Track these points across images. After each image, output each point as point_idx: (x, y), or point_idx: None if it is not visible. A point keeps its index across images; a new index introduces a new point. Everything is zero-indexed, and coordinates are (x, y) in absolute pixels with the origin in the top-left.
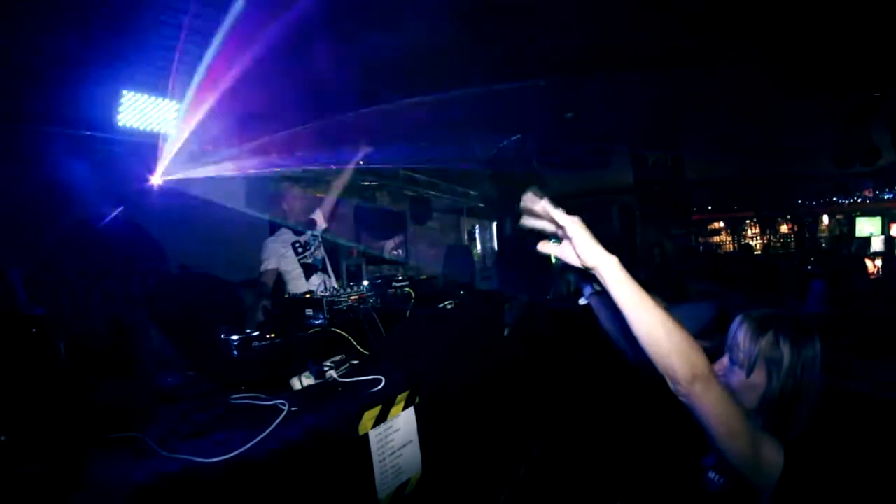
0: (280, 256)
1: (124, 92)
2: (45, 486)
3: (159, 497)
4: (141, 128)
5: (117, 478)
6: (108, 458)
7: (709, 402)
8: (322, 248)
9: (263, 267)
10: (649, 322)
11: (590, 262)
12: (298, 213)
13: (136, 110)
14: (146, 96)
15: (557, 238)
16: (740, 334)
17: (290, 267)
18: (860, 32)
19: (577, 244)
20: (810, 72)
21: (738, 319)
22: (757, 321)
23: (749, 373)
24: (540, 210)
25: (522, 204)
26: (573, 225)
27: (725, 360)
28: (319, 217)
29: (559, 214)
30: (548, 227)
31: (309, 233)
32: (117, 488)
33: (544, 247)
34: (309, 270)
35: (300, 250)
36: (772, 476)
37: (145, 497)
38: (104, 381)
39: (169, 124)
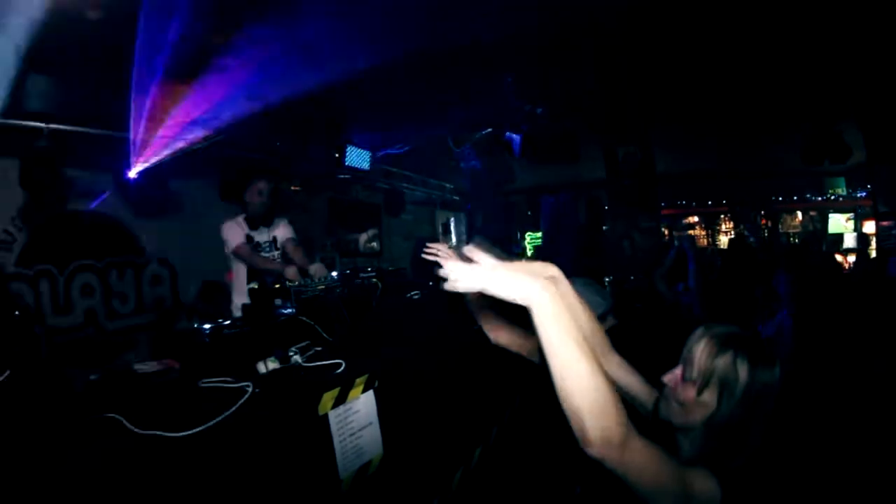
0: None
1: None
2: (24, 459)
3: (131, 467)
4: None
5: (93, 452)
6: (86, 436)
7: (625, 467)
8: (279, 262)
9: (232, 246)
10: (568, 365)
11: (518, 299)
12: (257, 208)
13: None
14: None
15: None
16: (697, 349)
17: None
18: (832, 35)
19: (495, 290)
20: (782, 71)
21: (697, 333)
22: (717, 338)
23: (700, 391)
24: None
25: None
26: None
27: (679, 371)
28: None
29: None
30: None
31: (267, 235)
32: (93, 461)
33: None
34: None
35: (250, 248)
36: None
37: (118, 467)
38: (83, 368)
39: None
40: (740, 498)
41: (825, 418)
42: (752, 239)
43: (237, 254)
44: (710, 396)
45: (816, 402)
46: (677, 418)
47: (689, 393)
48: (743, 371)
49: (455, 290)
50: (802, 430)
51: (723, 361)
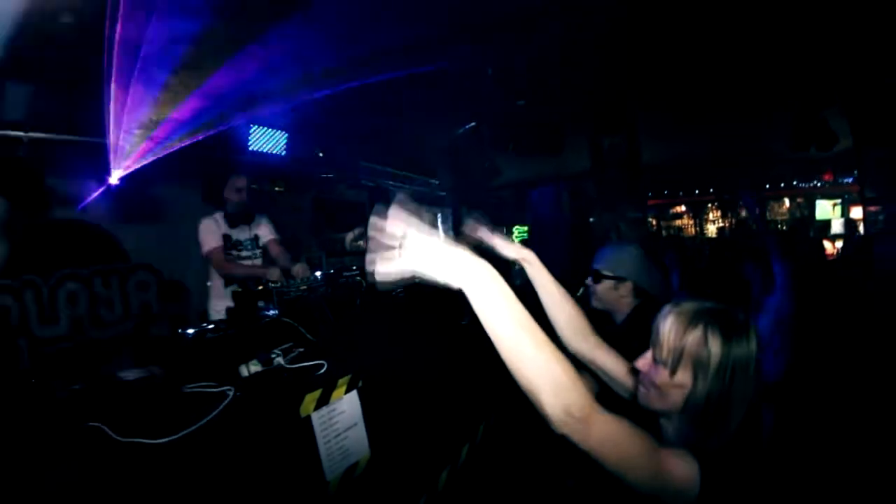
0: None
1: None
2: (4, 471)
3: (112, 475)
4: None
5: (74, 462)
6: (67, 446)
7: (591, 444)
8: (259, 261)
9: (207, 247)
10: (517, 347)
11: (452, 282)
12: (236, 205)
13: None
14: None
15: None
16: (664, 328)
17: None
18: (816, 21)
19: (434, 268)
20: (767, 58)
21: (663, 311)
22: (684, 314)
23: (672, 372)
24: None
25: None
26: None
27: (649, 355)
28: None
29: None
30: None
31: (248, 233)
32: (74, 471)
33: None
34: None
35: (229, 247)
36: (684, 494)
37: (99, 477)
38: (69, 378)
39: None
40: (722, 479)
41: (817, 405)
42: (755, 226)
43: (210, 259)
44: (683, 376)
45: (809, 388)
46: (655, 403)
47: (663, 375)
48: (715, 345)
49: (386, 283)
50: (793, 418)
51: (692, 338)
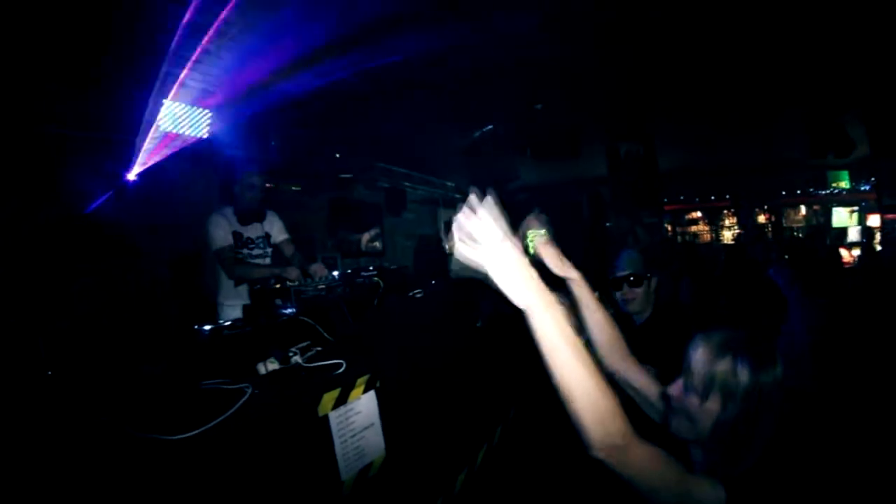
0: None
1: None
2: (20, 464)
3: (128, 470)
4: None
5: (91, 457)
6: (84, 440)
7: (626, 469)
8: (269, 260)
9: (217, 245)
10: (568, 374)
11: (514, 300)
12: (248, 202)
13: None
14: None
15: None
16: (696, 357)
17: None
18: (834, 28)
19: (500, 280)
20: (785, 65)
21: (695, 341)
22: (714, 344)
23: (703, 399)
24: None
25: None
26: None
27: (681, 382)
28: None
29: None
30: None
31: (260, 230)
32: (90, 466)
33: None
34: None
35: (240, 245)
36: None
37: (116, 470)
38: (86, 374)
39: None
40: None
41: (837, 420)
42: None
43: (219, 258)
44: (713, 403)
45: (831, 402)
46: (686, 430)
47: (694, 402)
48: (743, 374)
49: (460, 266)
50: (813, 434)
51: (722, 366)
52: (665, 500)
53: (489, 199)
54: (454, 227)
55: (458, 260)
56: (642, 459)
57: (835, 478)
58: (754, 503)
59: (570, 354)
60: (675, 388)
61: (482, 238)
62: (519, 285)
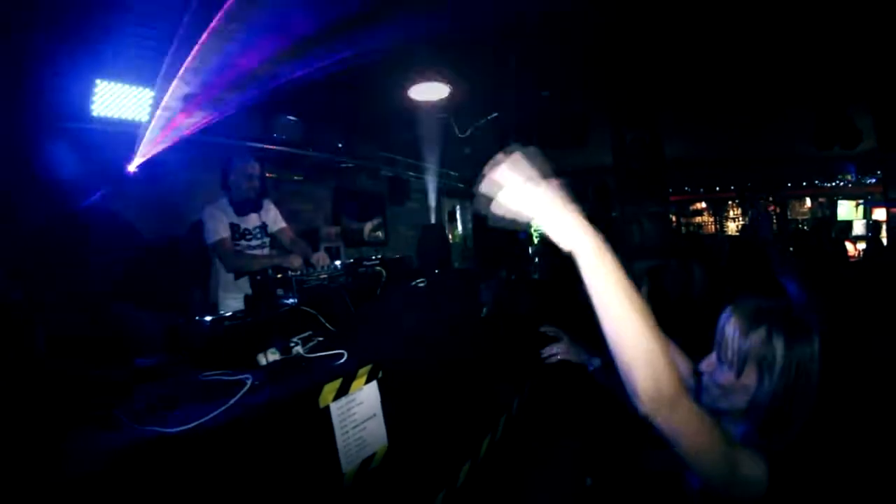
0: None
1: (97, 81)
2: (19, 456)
3: (127, 463)
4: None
5: (92, 449)
6: (85, 432)
7: (673, 427)
8: (267, 250)
9: (214, 237)
10: (620, 319)
11: (562, 244)
12: (245, 192)
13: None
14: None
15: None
16: (728, 329)
17: None
18: (842, 18)
19: (546, 224)
20: (792, 55)
21: (726, 312)
22: (747, 315)
23: (739, 373)
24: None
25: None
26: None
27: (713, 357)
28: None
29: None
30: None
31: (257, 220)
32: (91, 458)
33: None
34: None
35: (237, 237)
36: (752, 493)
37: (115, 463)
38: (85, 365)
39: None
40: (789, 480)
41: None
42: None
43: (217, 250)
44: (749, 377)
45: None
46: (720, 404)
47: (728, 376)
48: (779, 346)
49: (499, 218)
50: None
51: (756, 338)
52: (709, 466)
53: (517, 153)
54: (486, 182)
55: (496, 212)
56: (691, 418)
57: (877, 454)
58: (797, 479)
59: (623, 300)
60: (708, 363)
61: (520, 184)
62: (565, 226)
